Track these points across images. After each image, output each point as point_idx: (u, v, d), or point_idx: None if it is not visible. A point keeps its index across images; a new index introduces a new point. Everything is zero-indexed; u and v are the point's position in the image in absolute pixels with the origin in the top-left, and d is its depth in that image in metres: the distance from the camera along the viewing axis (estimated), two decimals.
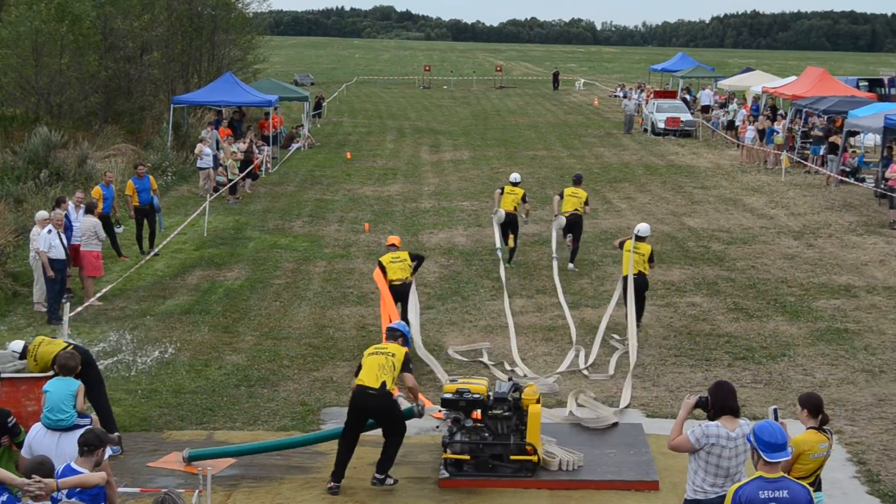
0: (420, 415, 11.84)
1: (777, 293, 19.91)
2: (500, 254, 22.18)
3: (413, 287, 16.74)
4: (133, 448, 12.35)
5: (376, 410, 11.38)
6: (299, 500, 11.11)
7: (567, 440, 12.28)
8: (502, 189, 22.85)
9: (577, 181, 22.76)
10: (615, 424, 13.09)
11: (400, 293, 16.42)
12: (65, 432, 9.89)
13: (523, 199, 22.60)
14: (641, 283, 17.24)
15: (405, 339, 12.15)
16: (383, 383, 11.28)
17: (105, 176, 23.42)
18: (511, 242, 22.64)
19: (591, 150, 42.96)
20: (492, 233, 23.61)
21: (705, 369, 15.50)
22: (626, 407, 13.89)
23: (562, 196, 22.07)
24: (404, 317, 16.05)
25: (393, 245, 17.21)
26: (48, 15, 34.31)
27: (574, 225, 21.84)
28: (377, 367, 11.44)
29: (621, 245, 17.78)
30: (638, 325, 16.74)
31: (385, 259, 16.73)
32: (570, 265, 21.82)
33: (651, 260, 17.44)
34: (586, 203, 21.96)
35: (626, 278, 17.11)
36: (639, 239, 17.50)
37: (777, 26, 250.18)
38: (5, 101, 37.05)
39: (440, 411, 12.26)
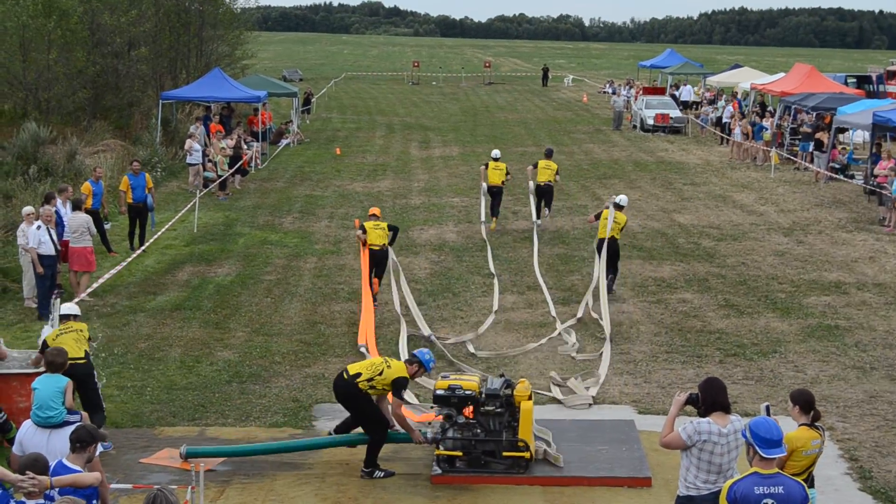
0: (429, 441, 11.75)
1: (768, 290, 19.95)
2: (483, 228, 24.28)
3: (395, 261, 18.18)
4: (125, 444, 12.31)
5: (342, 396, 11.71)
6: (292, 497, 11.09)
7: (559, 436, 12.28)
8: (486, 164, 25.77)
9: (549, 154, 26.04)
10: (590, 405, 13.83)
11: (378, 258, 18.27)
12: (55, 429, 9.84)
13: (506, 172, 25.62)
14: (615, 247, 18.77)
15: (420, 367, 11.85)
16: (357, 374, 11.61)
17: (94, 171, 23.33)
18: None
19: (580, 146, 42.96)
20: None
21: (696, 366, 15.52)
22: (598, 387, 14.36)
23: (535, 166, 25.35)
24: (379, 281, 18.33)
25: (374, 215, 18.97)
26: (35, 10, 34.16)
27: (546, 193, 25.26)
28: (367, 363, 11.92)
29: (597, 217, 19.51)
30: (611, 290, 18.37)
31: (368, 224, 18.48)
32: (539, 221, 24.60)
33: (621, 230, 19.26)
34: (557, 173, 25.33)
35: (602, 241, 18.71)
36: (618, 207, 19.18)
37: (765, 23, 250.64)
38: None
39: (432, 408, 12.30)
